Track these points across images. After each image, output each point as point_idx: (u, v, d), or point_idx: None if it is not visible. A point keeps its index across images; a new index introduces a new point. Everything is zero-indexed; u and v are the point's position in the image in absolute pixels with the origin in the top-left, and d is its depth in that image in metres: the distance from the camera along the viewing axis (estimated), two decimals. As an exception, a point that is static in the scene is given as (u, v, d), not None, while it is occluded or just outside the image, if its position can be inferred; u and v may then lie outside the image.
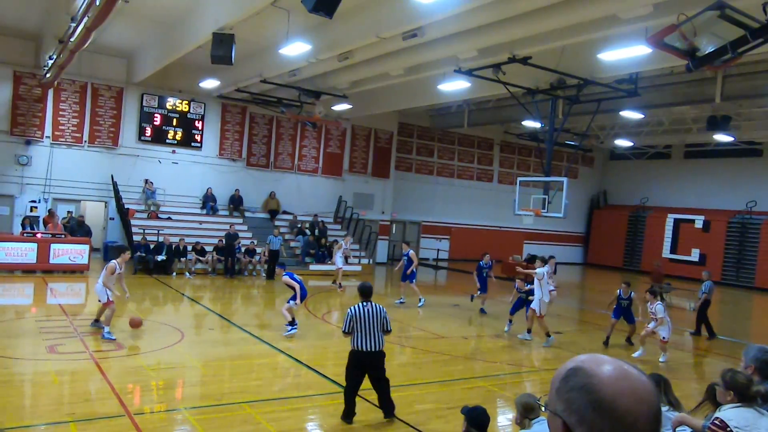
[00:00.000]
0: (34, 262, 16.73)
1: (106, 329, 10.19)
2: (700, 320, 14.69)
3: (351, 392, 6.91)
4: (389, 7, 12.13)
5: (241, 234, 20.86)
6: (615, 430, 1.22)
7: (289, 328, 11.33)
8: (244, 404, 7.36)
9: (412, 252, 16.01)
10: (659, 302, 11.24)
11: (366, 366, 6.82)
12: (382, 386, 6.98)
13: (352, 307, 6.91)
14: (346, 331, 6.81)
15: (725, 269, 28.32)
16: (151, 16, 16.02)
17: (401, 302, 15.84)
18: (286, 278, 11.57)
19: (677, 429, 4.48)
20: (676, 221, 30.28)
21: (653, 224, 31.57)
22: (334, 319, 13.84)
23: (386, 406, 7.05)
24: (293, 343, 10.75)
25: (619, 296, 12.54)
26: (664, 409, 5.06)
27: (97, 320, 10.82)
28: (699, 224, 29.27)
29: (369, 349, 6.75)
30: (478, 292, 15.49)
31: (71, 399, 7.30)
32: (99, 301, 10.54)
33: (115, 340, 10.05)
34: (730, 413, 3.78)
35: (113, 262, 10.64)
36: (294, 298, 11.45)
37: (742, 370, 4.22)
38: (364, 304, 6.91)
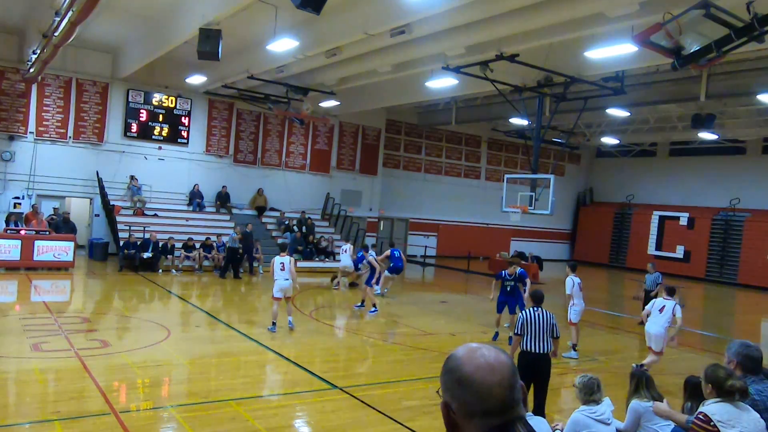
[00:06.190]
0: (18, 259, 16.50)
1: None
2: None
3: None
4: (377, 3, 12.11)
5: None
6: (475, 399, 1.50)
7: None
8: (231, 401, 7.34)
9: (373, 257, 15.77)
10: None
11: (533, 369, 6.92)
12: (540, 397, 6.95)
13: (524, 311, 7.31)
14: (518, 333, 7.14)
15: (709, 266, 28.67)
16: (137, 10, 15.86)
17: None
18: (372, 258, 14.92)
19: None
20: (661, 218, 30.60)
21: (639, 221, 31.85)
22: (328, 320, 13.83)
23: (539, 414, 6.71)
24: (280, 341, 10.72)
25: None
26: (647, 404, 5.15)
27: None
28: (683, 221, 29.64)
29: (536, 351, 6.98)
30: None
31: (56, 397, 7.23)
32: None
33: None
34: (713, 407, 3.82)
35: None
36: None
37: (726, 365, 4.28)
38: (536, 309, 7.23)
